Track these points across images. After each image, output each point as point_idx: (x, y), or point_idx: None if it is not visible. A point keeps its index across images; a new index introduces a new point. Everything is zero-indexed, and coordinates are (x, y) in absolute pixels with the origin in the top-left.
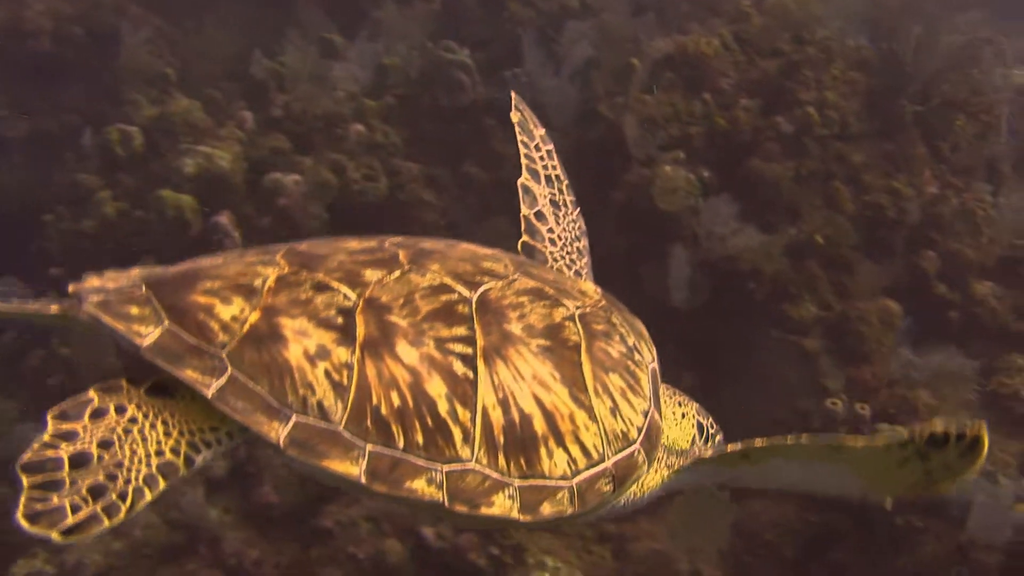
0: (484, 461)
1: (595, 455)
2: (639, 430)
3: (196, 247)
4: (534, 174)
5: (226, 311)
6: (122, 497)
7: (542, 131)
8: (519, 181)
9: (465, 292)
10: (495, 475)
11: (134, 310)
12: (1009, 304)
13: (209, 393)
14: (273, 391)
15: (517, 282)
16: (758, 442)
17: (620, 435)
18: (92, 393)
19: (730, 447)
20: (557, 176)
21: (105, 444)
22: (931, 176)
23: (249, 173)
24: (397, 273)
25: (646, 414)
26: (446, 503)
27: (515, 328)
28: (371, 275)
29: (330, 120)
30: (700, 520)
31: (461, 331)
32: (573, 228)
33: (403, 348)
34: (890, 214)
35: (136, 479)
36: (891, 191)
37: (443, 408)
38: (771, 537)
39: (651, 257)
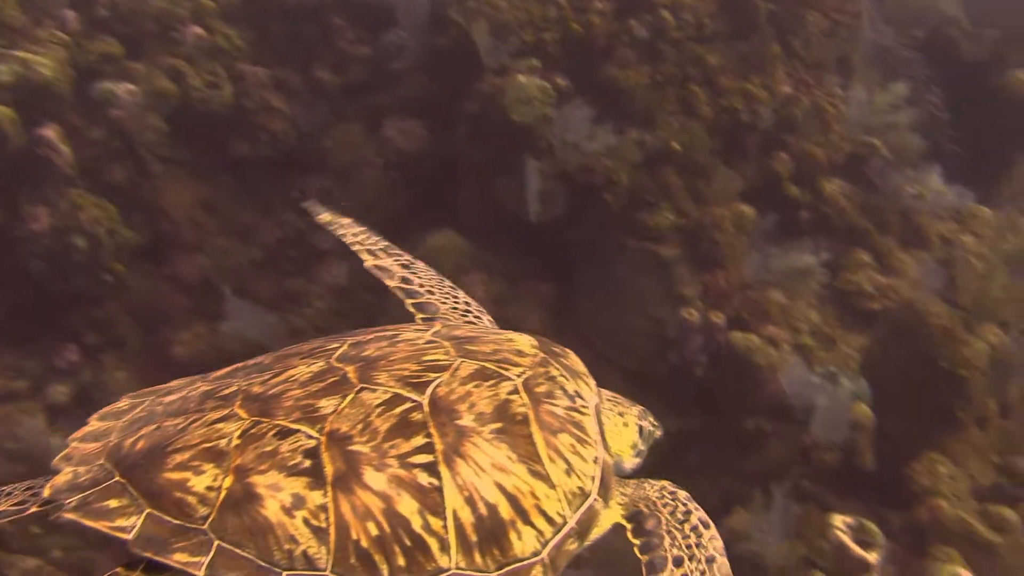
0: (463, 564)
1: (559, 520)
2: (593, 479)
3: (19, 162)
4: (371, 253)
5: (200, 482)
6: None
7: (348, 219)
8: (366, 265)
9: (416, 397)
10: (474, 574)
11: (113, 503)
12: (856, 202)
13: (201, 572)
14: (260, 552)
15: (460, 369)
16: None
17: (578, 492)
18: None
19: None
20: (388, 246)
21: None
22: (784, 75)
23: (77, 81)
24: (350, 396)
25: (596, 460)
26: None
27: (467, 421)
28: (326, 406)
29: (164, 21)
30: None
31: (419, 440)
32: (432, 275)
33: (370, 475)
34: (744, 118)
35: None
36: (745, 94)
37: (417, 524)
38: None
39: (506, 170)
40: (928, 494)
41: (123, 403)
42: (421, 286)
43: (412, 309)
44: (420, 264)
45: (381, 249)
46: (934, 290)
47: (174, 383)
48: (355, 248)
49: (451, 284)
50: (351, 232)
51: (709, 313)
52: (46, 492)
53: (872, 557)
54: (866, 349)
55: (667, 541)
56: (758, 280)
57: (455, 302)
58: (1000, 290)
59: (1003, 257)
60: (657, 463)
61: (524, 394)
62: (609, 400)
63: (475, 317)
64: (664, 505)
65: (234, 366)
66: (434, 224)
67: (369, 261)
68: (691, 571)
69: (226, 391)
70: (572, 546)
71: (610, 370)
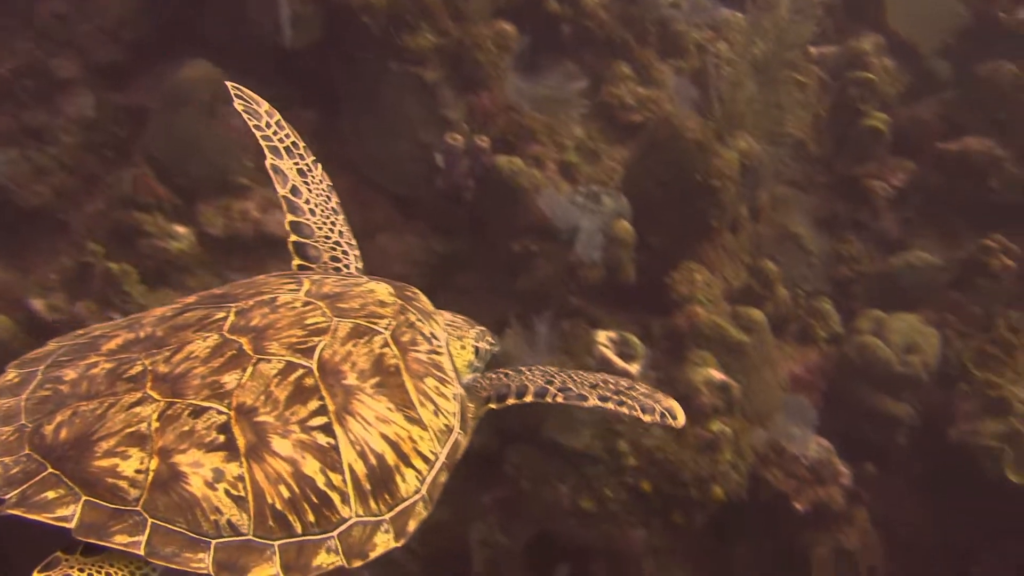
0: (361, 512)
1: (432, 457)
2: (455, 415)
3: None
4: (275, 151)
5: (128, 466)
6: None
7: (266, 105)
8: (267, 163)
9: (306, 363)
10: (371, 519)
11: (51, 495)
12: (616, 14)
13: (141, 551)
14: (190, 526)
15: (339, 329)
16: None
17: (444, 429)
18: (38, 575)
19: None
20: (294, 143)
21: None
22: None
23: None
24: (249, 369)
25: (455, 396)
26: (346, 564)
27: (352, 380)
28: (230, 381)
29: None
30: None
31: (314, 404)
32: (323, 189)
33: (277, 443)
34: None
35: None
36: None
37: (321, 482)
38: (399, 268)
39: None
40: (686, 301)
41: (11, 375)
42: (307, 202)
43: (288, 227)
44: (317, 173)
45: (286, 148)
46: (690, 100)
47: (53, 346)
48: (262, 142)
49: (337, 204)
50: (264, 122)
51: (474, 136)
52: (4, 494)
53: (634, 368)
54: (627, 163)
55: (523, 379)
56: (522, 99)
57: (330, 228)
58: (749, 98)
59: (752, 64)
60: (429, 285)
61: (393, 346)
62: (450, 325)
63: (346, 246)
64: (505, 376)
65: (115, 328)
66: (186, 53)
67: (270, 160)
68: (559, 382)
69: (132, 371)
70: (443, 478)
71: (379, 197)
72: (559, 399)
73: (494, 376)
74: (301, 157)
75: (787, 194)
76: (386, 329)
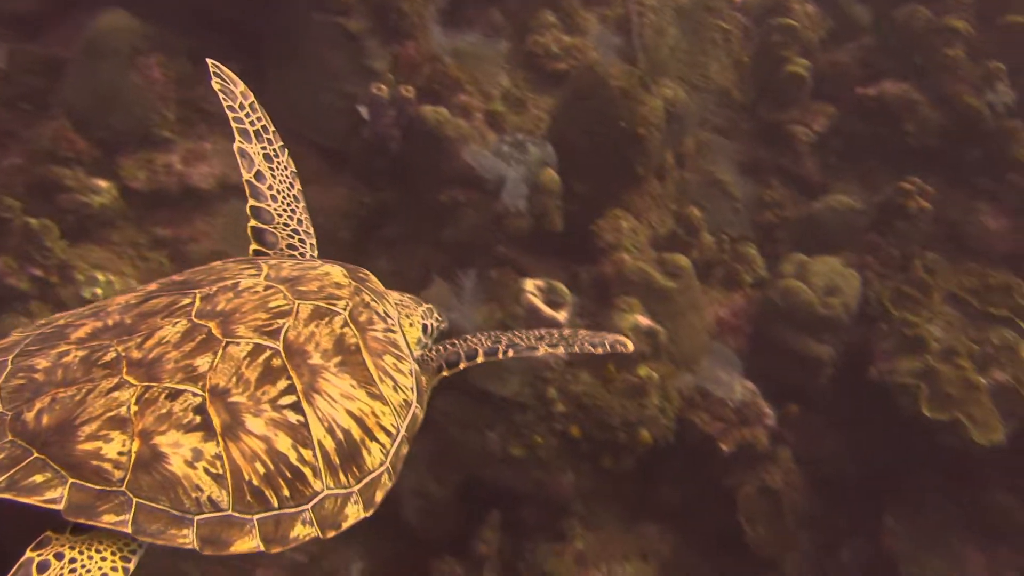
0: (332, 485)
1: (393, 431)
2: (412, 389)
3: None
4: (245, 134)
5: (111, 449)
6: None
7: (242, 86)
8: (235, 146)
9: (273, 344)
10: (341, 491)
11: (38, 478)
12: None
13: (128, 529)
14: (173, 504)
15: (300, 311)
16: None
17: (404, 403)
18: (31, 553)
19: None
20: (264, 127)
21: None
22: None
23: None
24: (220, 352)
25: (411, 372)
26: (320, 534)
27: (317, 359)
28: (202, 364)
29: None
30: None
31: (283, 383)
32: (287, 175)
33: (251, 422)
34: None
35: None
36: None
37: (293, 458)
38: (328, 220)
39: None
40: (612, 249)
41: None
42: (270, 188)
43: (248, 212)
44: (283, 159)
45: (256, 131)
46: (614, 48)
47: (18, 336)
48: (233, 124)
49: (299, 191)
50: (238, 103)
51: (400, 86)
52: None
53: (561, 315)
54: (553, 112)
55: (470, 344)
56: (447, 49)
57: (290, 216)
58: (673, 45)
59: (676, 11)
60: (357, 238)
61: (352, 326)
62: (399, 304)
63: (304, 235)
64: (452, 345)
65: (80, 317)
66: (103, 2)
67: (238, 142)
68: (506, 340)
69: (106, 357)
70: (404, 449)
71: (306, 149)
72: (510, 354)
73: (441, 348)
74: (269, 142)
75: (711, 141)
76: (344, 310)
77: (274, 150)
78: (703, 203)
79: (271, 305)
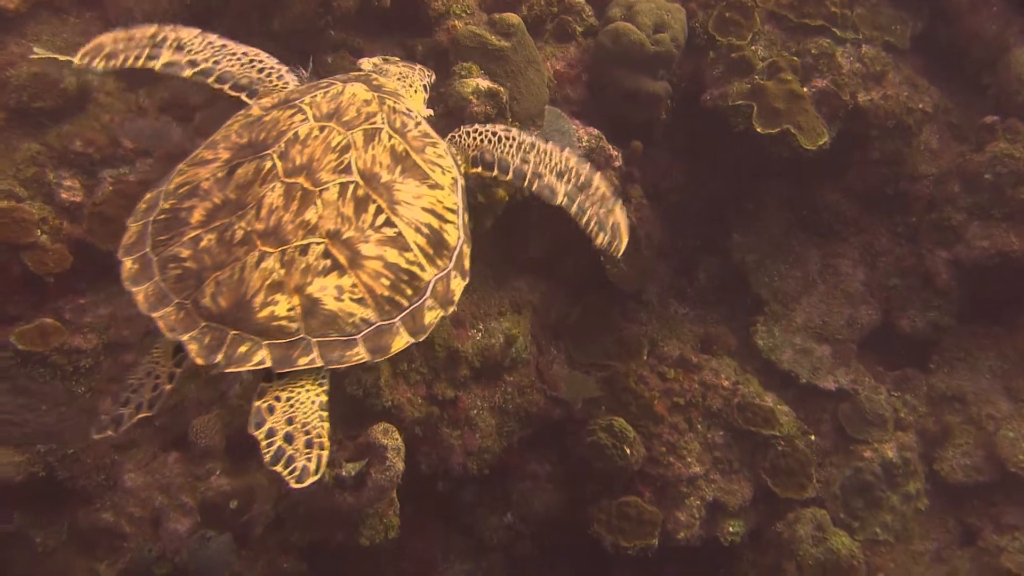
0: (433, 271)
1: (455, 207)
2: (453, 166)
3: None
4: (153, 58)
5: (281, 309)
6: (320, 446)
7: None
8: (156, 69)
9: (351, 178)
10: (443, 273)
11: (243, 349)
12: None
13: (319, 363)
14: (339, 333)
15: (356, 140)
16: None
17: (453, 182)
18: (257, 403)
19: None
20: (153, 35)
21: (289, 420)
22: None
23: None
24: (319, 201)
25: (447, 151)
26: (444, 312)
27: (385, 176)
28: (311, 216)
29: None
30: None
31: (372, 207)
32: (206, 44)
33: (365, 248)
34: None
35: (319, 430)
36: None
37: (403, 263)
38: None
39: None
40: (443, 17)
41: (129, 264)
42: (205, 60)
43: (228, 91)
44: (186, 35)
45: (156, 45)
46: None
47: (137, 227)
48: (137, 62)
49: (222, 42)
50: (124, 46)
51: None
52: (200, 360)
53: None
54: None
55: (503, 154)
56: None
57: (246, 64)
58: None
59: None
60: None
61: (396, 135)
62: (401, 80)
63: (273, 68)
64: (484, 140)
65: (184, 198)
66: None
67: (156, 65)
68: (532, 164)
69: (238, 235)
70: (466, 218)
71: None
72: (534, 187)
73: (472, 132)
74: (161, 41)
75: None
76: (384, 124)
77: (176, 41)
78: None
79: (333, 144)
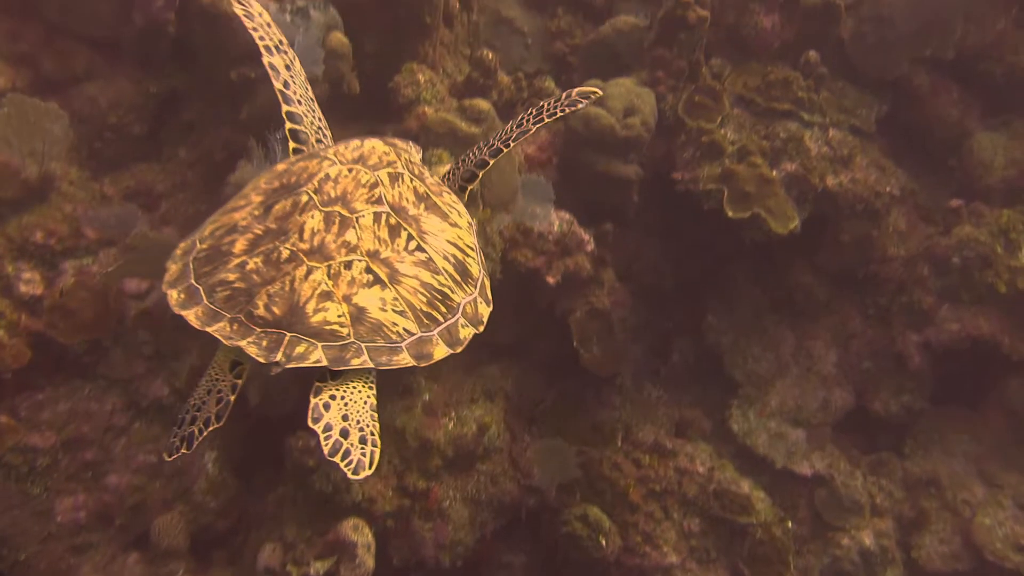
0: (462, 295)
1: (474, 244)
2: (465, 211)
3: None
4: (268, 50)
5: (332, 315)
6: (372, 443)
7: (258, 7)
8: (264, 61)
9: (383, 209)
10: (470, 298)
11: (300, 349)
12: None
13: (371, 364)
14: (385, 340)
15: (383, 179)
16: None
17: (469, 224)
18: (314, 399)
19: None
20: (280, 40)
21: (344, 417)
22: None
23: None
24: (356, 226)
25: (457, 199)
26: (476, 330)
27: (412, 210)
28: (351, 237)
29: None
30: (33, 129)
31: (404, 234)
32: (303, 80)
33: (401, 267)
34: None
35: (371, 428)
36: None
37: (436, 284)
38: (115, 119)
39: None
40: (413, 103)
41: (175, 294)
42: (295, 93)
43: (284, 116)
44: (297, 66)
45: (275, 46)
46: None
47: (178, 266)
48: (259, 42)
49: (313, 95)
50: (258, 22)
51: None
52: (262, 359)
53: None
54: None
55: (474, 157)
56: None
57: (313, 115)
58: None
59: None
60: (150, 130)
61: (416, 179)
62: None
63: (325, 130)
64: (461, 164)
65: (225, 233)
66: None
67: (266, 58)
68: (497, 138)
69: (284, 255)
70: (482, 257)
71: (76, 43)
72: (511, 144)
73: (454, 172)
74: (286, 54)
75: None
76: (404, 168)
77: (290, 59)
78: (495, 44)
79: (363, 181)
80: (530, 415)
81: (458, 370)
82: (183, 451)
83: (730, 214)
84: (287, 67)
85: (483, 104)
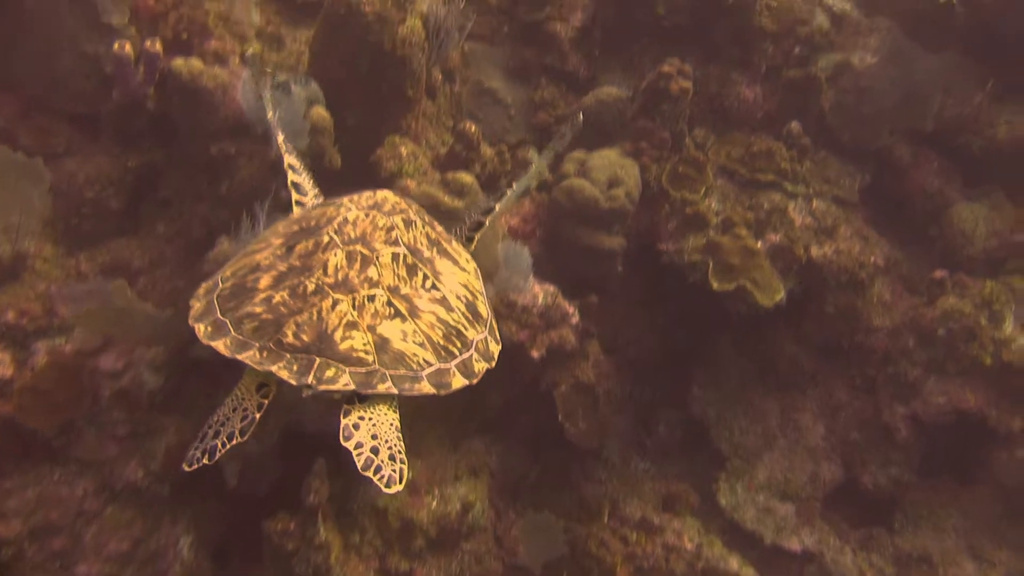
0: (475, 332)
1: (482, 289)
2: (472, 258)
3: None
4: (290, 151)
5: (358, 343)
6: (400, 460)
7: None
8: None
9: (401, 250)
10: (483, 336)
11: (329, 373)
12: None
13: (395, 390)
14: (407, 368)
15: (397, 224)
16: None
17: (475, 270)
18: (344, 420)
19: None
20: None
21: (373, 436)
22: None
23: None
24: (377, 263)
25: (464, 247)
26: (489, 365)
27: (426, 253)
28: (373, 273)
29: None
30: (11, 196)
31: (420, 274)
32: (309, 175)
33: (420, 303)
34: None
35: (399, 447)
36: None
37: (452, 320)
38: (92, 194)
39: None
40: (395, 176)
41: (203, 328)
42: (305, 181)
43: (291, 187)
44: (306, 176)
45: (295, 168)
46: None
47: (202, 304)
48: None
49: (315, 186)
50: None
51: (145, 41)
52: (293, 381)
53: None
54: (312, 46)
55: (482, 205)
56: None
57: (311, 183)
58: None
59: None
60: (128, 205)
61: (427, 225)
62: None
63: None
64: (468, 217)
65: (248, 272)
66: None
67: (290, 159)
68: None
69: (310, 288)
70: (488, 302)
71: (55, 119)
72: (514, 187)
73: (461, 226)
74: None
75: (475, 50)
76: (416, 216)
77: (297, 161)
78: (477, 115)
79: (380, 224)
80: (515, 490)
81: (443, 445)
82: (204, 462)
83: (715, 286)
84: (295, 166)
85: (466, 177)
